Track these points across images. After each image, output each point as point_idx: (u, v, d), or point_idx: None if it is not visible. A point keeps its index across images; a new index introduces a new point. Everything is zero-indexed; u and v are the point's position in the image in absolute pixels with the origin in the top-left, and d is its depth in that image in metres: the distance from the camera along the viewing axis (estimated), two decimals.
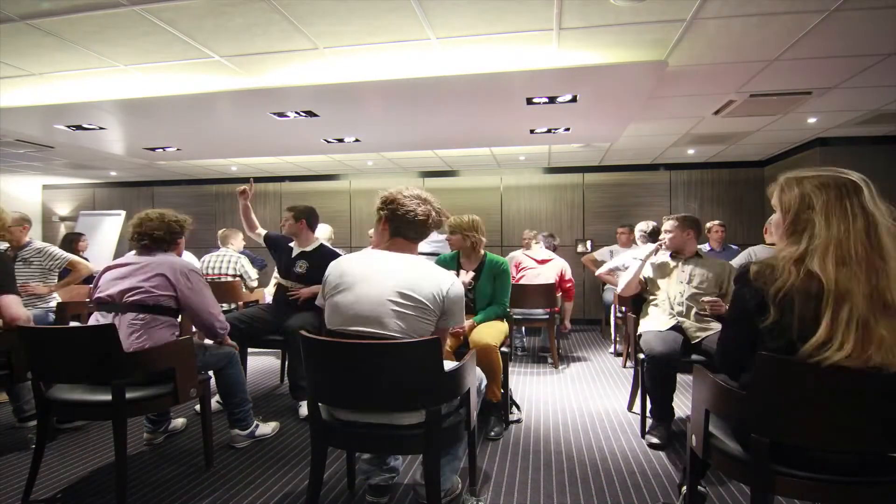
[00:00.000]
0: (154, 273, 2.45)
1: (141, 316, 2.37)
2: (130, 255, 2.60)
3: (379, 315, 1.83)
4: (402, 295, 1.84)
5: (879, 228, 1.31)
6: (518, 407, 3.35)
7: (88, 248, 6.18)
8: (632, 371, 3.55)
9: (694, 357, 2.89)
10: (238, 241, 5.57)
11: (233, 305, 4.95)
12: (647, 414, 2.95)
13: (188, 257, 4.46)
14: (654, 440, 2.80)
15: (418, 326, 1.87)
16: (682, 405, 3.49)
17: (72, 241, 5.70)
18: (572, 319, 7.45)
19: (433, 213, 2.01)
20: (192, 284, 2.51)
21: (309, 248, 3.62)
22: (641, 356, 2.99)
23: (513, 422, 3.21)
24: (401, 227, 1.97)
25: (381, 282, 1.86)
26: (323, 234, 5.37)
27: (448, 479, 2.13)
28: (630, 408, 3.42)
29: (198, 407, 2.96)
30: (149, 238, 2.55)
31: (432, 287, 1.88)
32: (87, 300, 3.82)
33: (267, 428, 2.99)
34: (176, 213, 2.70)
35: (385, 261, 1.93)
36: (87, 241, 6.19)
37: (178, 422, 3.08)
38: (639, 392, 3.12)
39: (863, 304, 1.28)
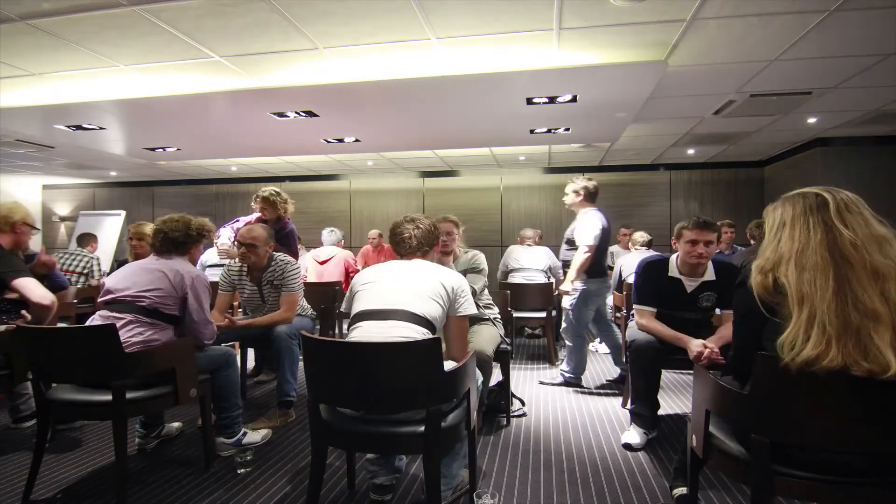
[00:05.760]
0: (161, 278, 2.42)
1: (140, 319, 2.35)
2: (150, 259, 2.58)
3: (402, 301, 1.99)
4: (422, 294, 2.02)
5: (841, 241, 1.44)
6: (522, 402, 3.37)
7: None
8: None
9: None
10: None
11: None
12: (629, 408, 2.91)
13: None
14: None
15: (440, 314, 2.05)
16: (682, 405, 3.49)
17: (88, 241, 5.68)
18: None
19: (422, 229, 2.28)
20: (196, 293, 2.48)
21: (709, 278, 2.78)
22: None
23: (517, 416, 3.22)
24: (396, 248, 2.32)
25: (399, 285, 2.08)
26: (331, 239, 5.33)
27: (457, 475, 2.17)
28: (624, 405, 3.43)
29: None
30: (163, 238, 2.53)
31: (438, 288, 2.06)
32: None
33: (256, 436, 2.81)
34: (201, 220, 2.69)
35: (406, 270, 2.18)
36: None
37: (173, 426, 3.00)
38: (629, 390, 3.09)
39: (827, 308, 1.38)
